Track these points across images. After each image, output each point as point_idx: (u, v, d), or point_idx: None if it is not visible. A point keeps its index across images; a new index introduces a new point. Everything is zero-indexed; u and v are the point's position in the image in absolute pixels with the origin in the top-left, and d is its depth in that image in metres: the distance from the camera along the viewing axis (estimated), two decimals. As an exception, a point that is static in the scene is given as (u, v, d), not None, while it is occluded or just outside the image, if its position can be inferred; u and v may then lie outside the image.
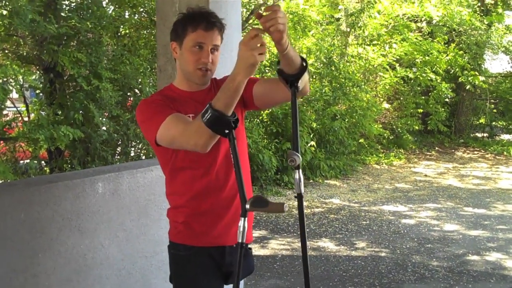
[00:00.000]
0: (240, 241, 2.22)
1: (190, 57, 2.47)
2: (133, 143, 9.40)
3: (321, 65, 13.50)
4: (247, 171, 2.67)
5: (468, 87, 17.78)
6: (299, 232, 7.61)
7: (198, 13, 2.49)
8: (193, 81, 2.53)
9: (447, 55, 17.31)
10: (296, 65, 2.31)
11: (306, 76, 2.36)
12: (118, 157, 9.21)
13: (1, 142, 8.68)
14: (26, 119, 8.97)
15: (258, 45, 2.04)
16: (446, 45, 17.90)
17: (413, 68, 16.75)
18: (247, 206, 2.17)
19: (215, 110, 2.13)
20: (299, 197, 2.28)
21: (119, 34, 10.20)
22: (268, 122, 11.58)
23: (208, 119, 2.14)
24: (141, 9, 10.27)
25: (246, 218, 2.21)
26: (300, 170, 2.25)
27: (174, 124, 2.33)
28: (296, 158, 2.19)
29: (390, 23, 16.27)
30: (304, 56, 13.08)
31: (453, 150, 17.57)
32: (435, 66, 16.69)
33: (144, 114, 2.47)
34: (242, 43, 2.06)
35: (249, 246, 2.71)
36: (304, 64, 2.33)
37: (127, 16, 10.40)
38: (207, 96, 2.54)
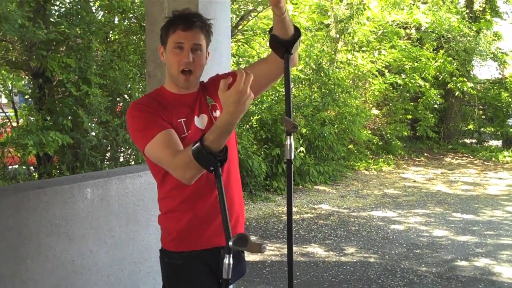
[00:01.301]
0: (225, 277, 2.20)
1: (172, 59, 2.47)
2: (122, 148, 9.37)
3: (311, 71, 13.53)
4: (238, 180, 2.67)
5: (456, 93, 17.88)
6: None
7: (179, 15, 2.48)
8: (178, 84, 2.51)
9: (436, 62, 17.40)
10: (291, 31, 2.34)
11: (298, 42, 2.39)
12: (107, 162, 9.18)
13: (-10, 147, 8.63)
14: (14, 124, 8.93)
15: (242, 81, 1.99)
16: (435, 51, 18.01)
17: (402, 75, 16.83)
18: (230, 244, 2.14)
19: (203, 146, 2.11)
20: (289, 163, 2.28)
21: (108, 39, 10.18)
22: (258, 128, 11.59)
23: (195, 151, 2.13)
24: (131, 15, 10.25)
25: (231, 255, 2.19)
26: (292, 137, 2.25)
27: (162, 147, 2.32)
28: (295, 122, 2.19)
29: (379, 30, 16.34)
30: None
31: (441, 156, 17.64)
32: (424, 73, 16.78)
33: (134, 123, 2.45)
34: (226, 91, 2.03)
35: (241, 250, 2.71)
36: (296, 33, 2.36)
37: (116, 22, 10.39)
38: (196, 99, 2.54)
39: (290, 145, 2.25)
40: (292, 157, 2.28)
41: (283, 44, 2.34)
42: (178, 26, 2.44)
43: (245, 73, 2.00)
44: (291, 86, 2.37)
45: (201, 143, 2.11)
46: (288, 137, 2.24)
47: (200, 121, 2.51)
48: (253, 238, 7.72)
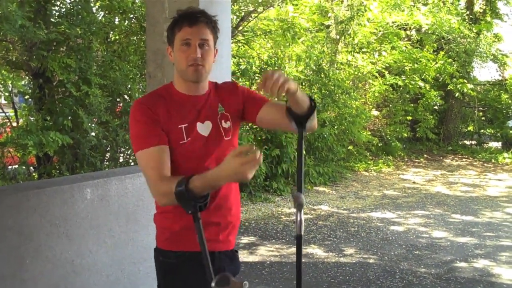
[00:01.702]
0: None
1: (180, 56, 2.44)
2: (122, 149, 9.37)
3: (311, 72, 13.53)
4: (236, 184, 2.66)
5: (457, 94, 17.89)
6: (287, 239, 7.59)
7: (183, 13, 2.47)
8: (188, 79, 2.47)
9: (436, 63, 17.40)
10: (305, 106, 2.32)
11: (314, 114, 2.37)
12: (107, 163, 9.19)
13: (-10, 147, 8.63)
14: (14, 124, 8.93)
15: (252, 161, 1.97)
16: (435, 53, 18.01)
17: (402, 76, 16.83)
18: (213, 285, 2.13)
19: (187, 190, 2.12)
20: (298, 239, 2.24)
21: (108, 40, 10.19)
22: (257, 129, 11.58)
23: (178, 192, 2.15)
24: (131, 15, 10.26)
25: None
26: (302, 211, 2.20)
27: (152, 165, 2.36)
28: (303, 200, 2.16)
29: (380, 31, 16.34)
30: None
31: (441, 158, 17.64)
32: (424, 74, 16.78)
33: (135, 127, 2.44)
34: (234, 157, 1.99)
35: (235, 250, 2.71)
36: (313, 104, 2.34)
37: (117, 22, 10.39)
38: (206, 103, 2.52)
39: (300, 221, 2.20)
40: (302, 232, 2.23)
41: (297, 119, 2.33)
42: (183, 23, 2.43)
43: (258, 157, 1.96)
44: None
45: (186, 186, 2.12)
46: (298, 212, 2.19)
47: (203, 128, 2.48)
48: (252, 238, 7.73)
